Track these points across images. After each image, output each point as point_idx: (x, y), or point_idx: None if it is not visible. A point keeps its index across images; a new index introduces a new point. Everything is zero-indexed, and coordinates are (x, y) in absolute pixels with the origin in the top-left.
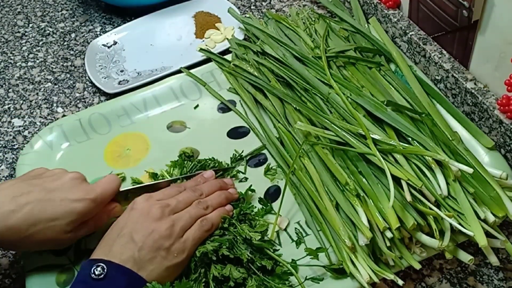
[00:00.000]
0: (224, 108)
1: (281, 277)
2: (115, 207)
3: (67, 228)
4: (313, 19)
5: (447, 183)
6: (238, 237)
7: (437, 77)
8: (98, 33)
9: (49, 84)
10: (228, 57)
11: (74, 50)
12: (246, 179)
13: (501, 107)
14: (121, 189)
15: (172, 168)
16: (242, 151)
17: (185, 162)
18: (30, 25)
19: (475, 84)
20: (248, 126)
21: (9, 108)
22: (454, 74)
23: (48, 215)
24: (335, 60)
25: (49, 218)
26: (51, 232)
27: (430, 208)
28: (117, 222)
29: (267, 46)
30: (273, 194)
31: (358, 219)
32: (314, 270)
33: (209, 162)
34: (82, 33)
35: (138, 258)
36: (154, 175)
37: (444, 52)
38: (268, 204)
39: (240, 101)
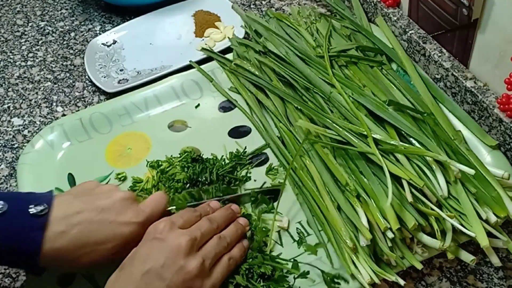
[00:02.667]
0: (225, 107)
1: (278, 281)
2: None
3: (112, 251)
4: (315, 17)
5: (449, 183)
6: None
7: (437, 76)
8: (97, 32)
9: (49, 83)
10: (229, 56)
11: (74, 49)
12: (250, 178)
13: (501, 106)
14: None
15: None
16: (245, 147)
17: (192, 164)
18: (30, 24)
19: (475, 82)
20: (249, 125)
21: (8, 107)
22: (454, 73)
23: (97, 238)
24: (337, 59)
25: (97, 241)
26: (97, 255)
27: (432, 209)
28: (138, 252)
29: (269, 43)
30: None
31: (358, 220)
32: (316, 270)
33: (217, 166)
34: (81, 32)
35: None
36: (157, 165)
37: (444, 50)
38: (270, 203)
39: (238, 100)
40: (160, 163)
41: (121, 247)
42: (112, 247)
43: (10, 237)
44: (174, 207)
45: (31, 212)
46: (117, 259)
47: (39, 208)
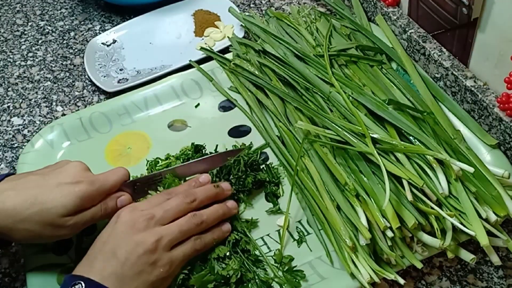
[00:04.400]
0: (225, 106)
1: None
2: (123, 195)
3: (65, 211)
4: (315, 17)
5: (449, 182)
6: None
7: (436, 75)
8: (97, 31)
9: (49, 82)
10: (228, 55)
11: (74, 48)
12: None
13: (501, 105)
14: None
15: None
16: (251, 143)
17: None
18: (29, 23)
19: (474, 82)
20: (249, 125)
21: (8, 107)
22: (454, 72)
23: (45, 197)
24: (337, 58)
25: (46, 200)
26: (49, 215)
27: (432, 208)
28: (100, 236)
29: (267, 44)
30: (274, 192)
31: (357, 220)
32: (316, 269)
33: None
34: (81, 31)
35: (121, 275)
36: (155, 164)
37: (444, 50)
38: (277, 204)
39: (238, 100)
40: (158, 161)
41: (74, 209)
42: (63, 205)
43: None
44: (136, 179)
45: None
46: (76, 224)
47: None
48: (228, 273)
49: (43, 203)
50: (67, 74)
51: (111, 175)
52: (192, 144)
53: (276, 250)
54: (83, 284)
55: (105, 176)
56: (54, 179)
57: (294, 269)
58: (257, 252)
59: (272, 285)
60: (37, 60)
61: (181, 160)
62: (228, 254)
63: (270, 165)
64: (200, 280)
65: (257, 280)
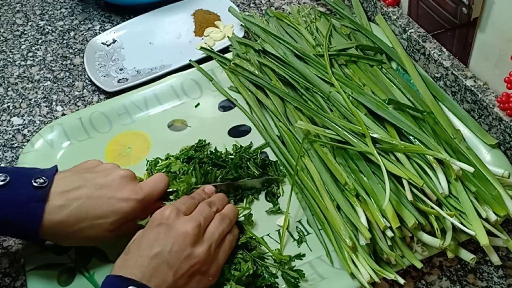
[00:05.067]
0: (225, 106)
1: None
2: (161, 206)
3: (110, 227)
4: (315, 16)
5: (449, 182)
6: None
7: (436, 75)
8: (97, 31)
9: (48, 82)
10: (228, 55)
11: (73, 48)
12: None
13: (501, 105)
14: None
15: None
16: (251, 143)
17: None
18: (29, 23)
19: (474, 81)
20: (249, 125)
21: (8, 106)
22: (454, 72)
23: (95, 213)
24: (337, 58)
25: (95, 216)
26: (95, 230)
27: (432, 207)
28: (144, 237)
29: (267, 44)
30: (274, 192)
31: (357, 219)
32: (316, 269)
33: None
34: (81, 31)
35: (172, 284)
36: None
37: (444, 49)
38: (277, 205)
39: (238, 100)
40: (158, 161)
41: (119, 223)
42: (111, 222)
43: (12, 208)
44: (175, 188)
45: (33, 184)
46: (115, 235)
47: (40, 180)
48: (244, 274)
49: (93, 219)
50: (67, 74)
51: (156, 187)
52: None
53: (275, 250)
54: None
55: (150, 188)
56: (106, 192)
57: (294, 268)
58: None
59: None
60: (37, 60)
61: (181, 160)
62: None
63: (276, 163)
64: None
65: (266, 275)
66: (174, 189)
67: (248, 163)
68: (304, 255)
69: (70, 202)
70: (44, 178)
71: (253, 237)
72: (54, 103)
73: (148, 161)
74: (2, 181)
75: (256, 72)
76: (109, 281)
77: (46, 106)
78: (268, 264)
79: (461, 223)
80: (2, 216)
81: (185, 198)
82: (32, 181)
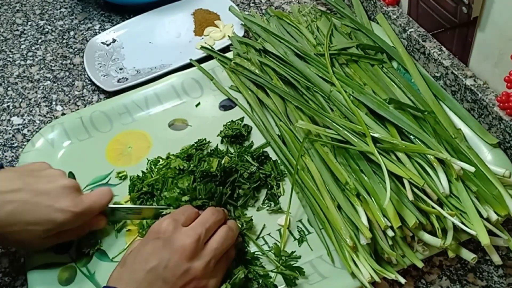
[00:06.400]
0: (226, 105)
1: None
2: (101, 221)
3: (43, 234)
4: (315, 16)
5: (450, 182)
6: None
7: (436, 74)
8: (97, 31)
9: (48, 82)
10: (229, 54)
11: (73, 48)
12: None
13: (501, 104)
14: (111, 205)
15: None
16: (252, 142)
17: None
18: (29, 23)
19: (474, 81)
20: (249, 124)
21: (8, 106)
22: (454, 71)
23: (28, 219)
24: (338, 57)
25: (28, 222)
26: (27, 236)
27: (433, 207)
28: (140, 250)
29: (268, 44)
30: (275, 192)
31: (358, 219)
32: (317, 269)
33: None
34: (81, 31)
35: None
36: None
37: (444, 49)
38: (278, 204)
39: (238, 99)
40: (159, 160)
41: (53, 232)
42: (43, 230)
43: None
44: (119, 206)
45: None
46: (47, 244)
47: None
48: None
49: (26, 224)
50: (67, 73)
51: (98, 201)
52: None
53: (273, 244)
54: None
55: (92, 202)
56: (44, 199)
57: (294, 266)
58: (254, 249)
59: (272, 279)
60: (36, 59)
61: (181, 159)
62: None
63: (275, 162)
64: None
65: (259, 280)
66: (118, 207)
67: (245, 155)
68: (299, 257)
69: (4, 204)
70: None
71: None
72: (54, 103)
73: (148, 160)
74: None
75: (257, 72)
76: None
77: (46, 106)
78: (262, 265)
79: (462, 223)
80: None
81: (186, 207)
82: None
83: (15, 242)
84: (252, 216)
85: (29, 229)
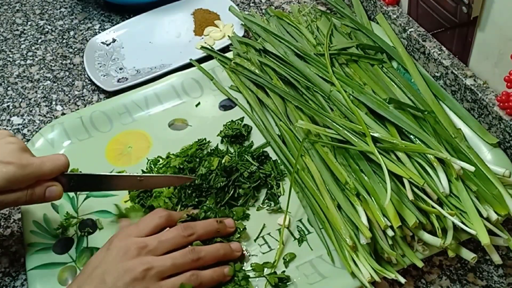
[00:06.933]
0: (226, 105)
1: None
2: (54, 186)
3: None
4: (315, 16)
5: (450, 181)
6: None
7: (436, 74)
8: (97, 30)
9: (48, 82)
10: (229, 54)
11: (73, 48)
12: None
13: (501, 104)
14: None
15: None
16: (252, 141)
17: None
18: (29, 23)
19: (474, 80)
20: (249, 124)
21: (8, 106)
22: (454, 71)
23: None
24: (338, 57)
25: None
26: None
27: (433, 206)
28: (91, 261)
29: (268, 44)
30: (275, 191)
31: (357, 219)
32: (317, 268)
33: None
34: (80, 30)
35: None
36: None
37: (444, 48)
38: (278, 203)
39: (238, 99)
40: (159, 160)
41: (1, 188)
42: None
43: None
44: (76, 173)
45: None
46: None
47: None
48: None
49: None
50: (67, 73)
51: (48, 162)
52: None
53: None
54: None
55: (41, 161)
56: None
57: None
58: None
59: None
60: (36, 59)
61: (181, 157)
62: None
63: (276, 162)
64: None
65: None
66: (73, 174)
67: (245, 155)
68: (273, 265)
69: None
70: None
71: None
72: (53, 103)
73: (148, 160)
74: None
75: (257, 72)
76: None
77: (46, 106)
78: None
79: (462, 222)
80: None
81: (172, 232)
82: None
83: None
84: (246, 226)
85: None
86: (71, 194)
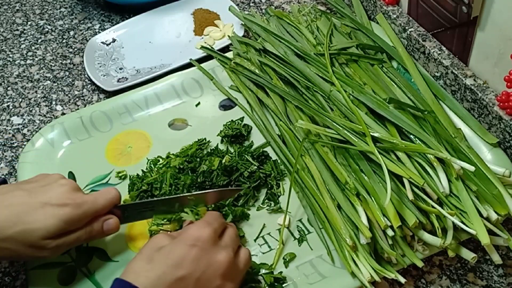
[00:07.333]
0: (226, 105)
1: None
2: (111, 219)
3: (47, 234)
4: (315, 15)
5: (450, 181)
6: None
7: (436, 74)
8: (96, 30)
9: (48, 82)
10: (228, 54)
11: (73, 47)
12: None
13: (501, 103)
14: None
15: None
16: (252, 141)
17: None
18: (29, 23)
19: (474, 80)
20: (249, 124)
21: (8, 106)
22: (454, 71)
23: (29, 217)
24: (337, 57)
25: (29, 220)
26: (31, 236)
27: (433, 206)
28: (173, 253)
29: (268, 43)
30: (275, 191)
31: (357, 219)
32: (317, 268)
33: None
34: (80, 30)
35: None
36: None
37: (444, 48)
38: (278, 203)
39: (238, 99)
40: (159, 160)
41: (59, 230)
42: (47, 228)
43: None
44: (128, 203)
45: None
46: (58, 246)
47: None
48: None
49: (26, 223)
50: (67, 73)
51: (101, 197)
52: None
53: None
54: None
55: (94, 198)
56: (40, 197)
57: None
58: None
59: None
60: (36, 59)
61: (181, 157)
62: None
63: (276, 162)
64: None
65: None
66: (127, 204)
67: (245, 155)
68: (271, 267)
69: (2, 205)
70: None
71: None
72: (53, 103)
73: (148, 160)
74: None
75: (257, 71)
76: (117, 285)
77: (46, 106)
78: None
79: (462, 222)
80: None
81: (217, 215)
82: None
83: (22, 245)
84: (246, 225)
85: (31, 228)
86: None
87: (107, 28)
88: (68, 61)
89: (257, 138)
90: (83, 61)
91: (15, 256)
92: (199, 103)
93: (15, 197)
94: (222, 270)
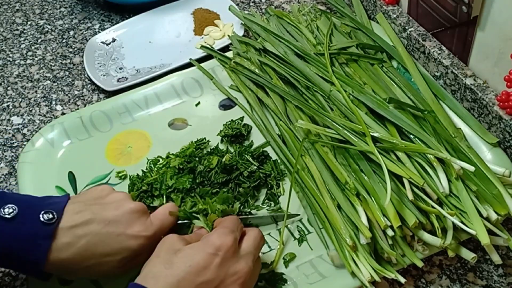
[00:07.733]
0: (226, 105)
1: None
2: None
3: (119, 264)
4: (315, 15)
5: (449, 181)
6: None
7: (436, 73)
8: (96, 30)
9: (48, 81)
10: (228, 54)
11: (73, 47)
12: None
13: (501, 103)
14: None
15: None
16: (252, 141)
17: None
18: (29, 22)
19: (474, 80)
20: (249, 124)
21: (8, 106)
22: (454, 70)
23: (103, 250)
24: (337, 56)
25: (103, 253)
26: (103, 267)
27: (432, 206)
28: (194, 259)
29: (268, 43)
30: (275, 191)
31: (357, 219)
32: (317, 268)
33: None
34: (80, 30)
35: None
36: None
37: (444, 48)
38: (279, 204)
39: (238, 98)
40: (159, 160)
41: (129, 260)
42: (119, 259)
43: (17, 243)
44: (186, 221)
45: (40, 220)
46: (125, 272)
47: (49, 216)
48: None
49: (101, 256)
50: (67, 73)
51: (166, 221)
52: (192, 142)
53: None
54: None
55: (161, 222)
56: (115, 228)
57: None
58: None
59: None
60: (36, 59)
61: (181, 157)
62: None
63: (276, 162)
64: None
65: None
66: (186, 222)
67: (245, 155)
68: (271, 267)
69: (77, 240)
70: (53, 213)
71: None
72: (53, 102)
73: (148, 160)
74: (10, 213)
75: (257, 71)
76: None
77: (46, 106)
78: None
79: (462, 222)
80: (6, 250)
81: (236, 220)
82: (41, 216)
83: (93, 274)
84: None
85: (104, 261)
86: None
87: (107, 28)
88: (68, 61)
89: (257, 138)
90: (83, 61)
91: (88, 277)
92: (199, 103)
93: (89, 226)
94: (242, 279)
